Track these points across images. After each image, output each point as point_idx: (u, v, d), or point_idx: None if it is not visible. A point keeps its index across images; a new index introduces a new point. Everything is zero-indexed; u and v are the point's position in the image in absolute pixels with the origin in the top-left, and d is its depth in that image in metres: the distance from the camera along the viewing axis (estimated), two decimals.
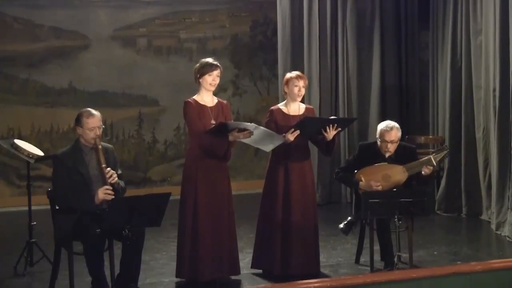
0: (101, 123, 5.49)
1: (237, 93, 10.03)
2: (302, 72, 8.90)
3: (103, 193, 5.29)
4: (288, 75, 6.08)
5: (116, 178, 5.43)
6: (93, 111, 5.48)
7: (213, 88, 5.88)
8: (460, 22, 8.24)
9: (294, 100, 6.03)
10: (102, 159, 5.38)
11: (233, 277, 5.98)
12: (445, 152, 6.06)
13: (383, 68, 9.18)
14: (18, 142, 6.48)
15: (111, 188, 5.33)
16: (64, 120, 9.42)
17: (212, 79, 5.82)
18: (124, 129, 9.72)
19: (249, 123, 5.68)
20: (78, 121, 5.46)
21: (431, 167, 5.85)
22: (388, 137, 5.95)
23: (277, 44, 9.20)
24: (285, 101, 6.10)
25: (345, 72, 9.14)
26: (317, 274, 5.98)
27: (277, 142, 5.77)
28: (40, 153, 6.50)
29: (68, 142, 9.25)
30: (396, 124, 6.03)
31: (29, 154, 6.32)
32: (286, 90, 6.06)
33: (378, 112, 9.05)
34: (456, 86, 8.32)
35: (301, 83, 5.98)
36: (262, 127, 5.72)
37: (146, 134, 9.83)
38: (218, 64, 5.89)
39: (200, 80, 5.84)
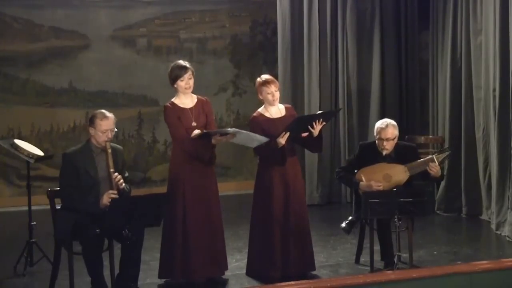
0: (114, 126, 5.46)
1: (237, 93, 10.03)
2: (302, 72, 9.00)
3: (108, 199, 5.27)
4: (257, 81, 5.97)
5: (124, 184, 5.41)
6: (107, 113, 5.44)
7: (189, 91, 5.83)
8: (460, 22, 8.24)
9: (271, 105, 5.98)
10: (111, 163, 5.35)
11: (223, 276, 6.00)
12: (447, 153, 6.06)
13: (383, 68, 9.18)
14: (18, 142, 6.48)
15: (116, 193, 5.31)
16: (64, 120, 9.43)
17: (185, 83, 5.78)
18: (124, 129, 9.71)
19: (230, 129, 5.69)
20: (92, 122, 5.43)
21: (437, 167, 5.82)
22: (384, 134, 5.94)
23: (277, 44, 9.19)
24: (264, 105, 6.02)
25: (345, 72, 9.13)
26: (313, 272, 6.01)
27: (262, 140, 5.72)
28: (40, 153, 6.50)
29: (68, 142, 9.35)
30: (392, 122, 6.02)
31: (29, 154, 6.33)
32: (260, 97, 5.99)
33: (378, 112, 9.04)
34: (456, 86, 8.32)
35: (272, 88, 5.90)
36: (243, 131, 5.69)
37: (146, 134, 9.82)
38: (188, 65, 5.81)
39: (175, 86, 5.82)
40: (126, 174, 5.61)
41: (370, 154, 6.03)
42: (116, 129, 5.51)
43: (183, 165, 5.77)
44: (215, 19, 10.01)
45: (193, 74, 5.83)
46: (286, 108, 6.09)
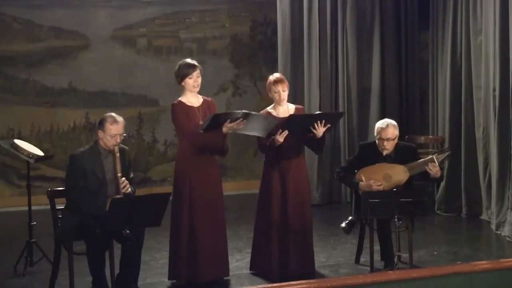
0: (123, 131, 5.44)
1: (237, 93, 10.03)
2: (302, 72, 9.00)
3: None
4: (268, 79, 6.03)
5: (130, 189, 5.40)
6: (118, 118, 5.41)
7: (197, 89, 5.82)
8: (460, 22, 8.24)
9: (278, 104, 6.01)
10: (118, 168, 5.33)
11: (225, 277, 5.99)
12: (447, 153, 6.05)
13: (383, 68, 9.18)
14: (18, 142, 6.48)
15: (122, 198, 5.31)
16: (64, 120, 9.43)
17: (193, 81, 5.77)
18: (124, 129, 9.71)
19: (239, 111, 5.67)
20: (101, 125, 5.40)
21: (437, 167, 5.82)
22: (385, 134, 5.94)
23: (277, 44, 9.19)
24: (273, 104, 6.06)
25: (345, 72, 9.13)
26: (312, 273, 6.01)
27: (272, 124, 5.71)
28: (40, 153, 6.50)
29: (68, 142, 9.37)
30: (392, 122, 6.02)
31: (29, 154, 6.33)
32: (269, 95, 6.03)
33: (378, 112, 9.04)
34: (456, 86, 8.32)
35: (279, 87, 5.93)
36: (253, 112, 5.69)
37: (146, 134, 9.83)
38: (196, 63, 5.82)
39: (183, 84, 5.80)
40: (132, 175, 5.60)
41: (370, 154, 6.03)
42: (125, 134, 5.48)
43: (188, 165, 5.75)
44: (215, 19, 10.02)
45: (201, 73, 5.83)
46: (296, 108, 6.11)
